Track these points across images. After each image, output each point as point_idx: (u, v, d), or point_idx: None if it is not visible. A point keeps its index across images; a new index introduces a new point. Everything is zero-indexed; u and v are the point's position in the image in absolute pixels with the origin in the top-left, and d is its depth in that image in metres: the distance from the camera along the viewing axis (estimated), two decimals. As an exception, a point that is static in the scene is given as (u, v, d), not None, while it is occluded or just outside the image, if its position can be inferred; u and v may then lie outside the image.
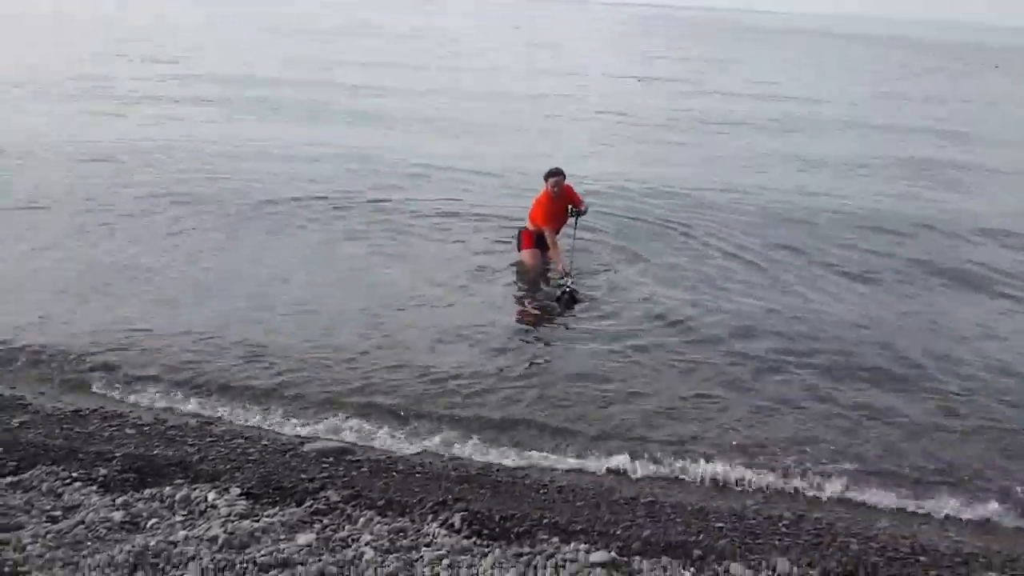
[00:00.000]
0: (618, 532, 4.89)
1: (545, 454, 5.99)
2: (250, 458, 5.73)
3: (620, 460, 5.94)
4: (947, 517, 5.51)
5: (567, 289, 8.70)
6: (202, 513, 4.69)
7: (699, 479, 5.80)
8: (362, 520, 4.71)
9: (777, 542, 5.06)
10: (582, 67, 34.10)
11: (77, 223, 10.50)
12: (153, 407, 6.48)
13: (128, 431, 6.02)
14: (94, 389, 6.71)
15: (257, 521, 4.59)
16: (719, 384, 7.11)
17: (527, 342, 7.96)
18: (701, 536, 5.05)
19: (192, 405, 6.51)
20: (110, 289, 8.57)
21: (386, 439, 6.10)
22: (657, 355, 7.58)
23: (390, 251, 10.26)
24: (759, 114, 22.72)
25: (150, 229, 10.43)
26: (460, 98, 23.26)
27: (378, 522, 4.69)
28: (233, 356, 7.23)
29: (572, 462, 5.92)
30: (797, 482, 5.81)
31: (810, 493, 5.73)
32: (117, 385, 6.74)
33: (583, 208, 9.57)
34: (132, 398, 6.58)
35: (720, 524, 5.29)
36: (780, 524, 5.32)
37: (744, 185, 14.00)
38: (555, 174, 9.24)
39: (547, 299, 8.99)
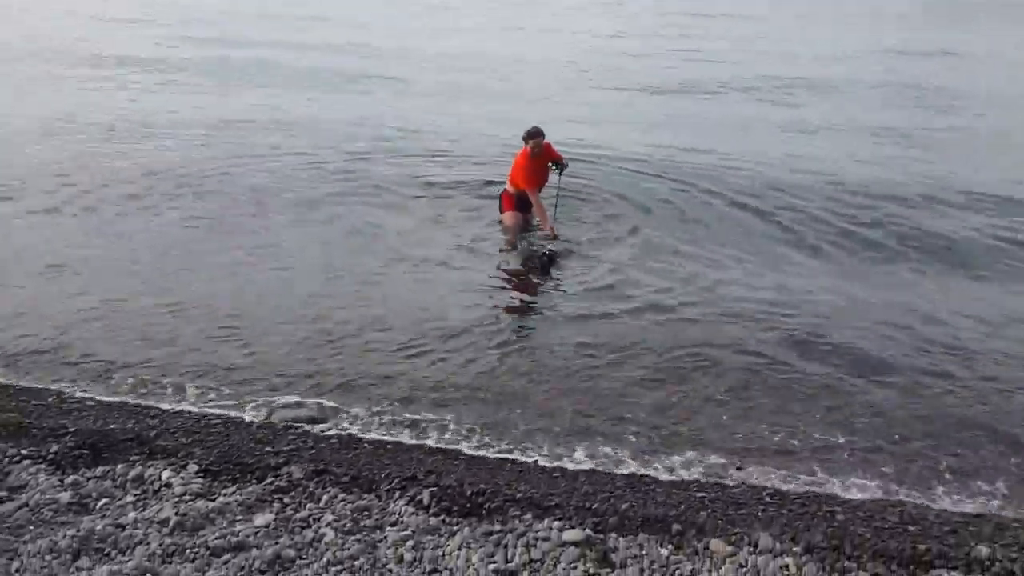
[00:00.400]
0: (595, 506, 4.66)
1: (525, 445, 5.60)
2: (213, 430, 5.49)
3: (594, 459, 5.51)
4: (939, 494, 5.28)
5: (546, 252, 8.48)
6: (155, 492, 4.45)
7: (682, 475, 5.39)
8: (325, 498, 4.47)
9: (761, 512, 4.85)
10: (567, 25, 33.09)
11: (48, 202, 9.94)
12: (117, 382, 6.19)
13: (88, 403, 5.78)
14: (59, 365, 6.38)
15: (213, 500, 4.35)
16: (702, 367, 6.64)
17: (507, 312, 7.64)
18: (681, 507, 4.84)
19: (155, 379, 6.22)
20: (81, 266, 8.15)
21: (355, 421, 5.78)
22: (638, 332, 7.17)
23: (370, 216, 9.91)
24: (752, 75, 21.78)
25: (123, 206, 9.89)
26: (442, 60, 22.37)
27: (342, 500, 4.46)
28: (203, 332, 6.92)
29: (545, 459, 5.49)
30: (783, 461, 5.51)
31: (795, 469, 5.44)
32: (81, 362, 6.41)
33: (564, 163, 9.36)
34: (95, 376, 6.24)
35: (702, 494, 5.08)
36: (764, 493, 5.13)
37: (738, 153, 13.17)
38: (535, 135, 8.96)
39: (529, 262, 8.73)
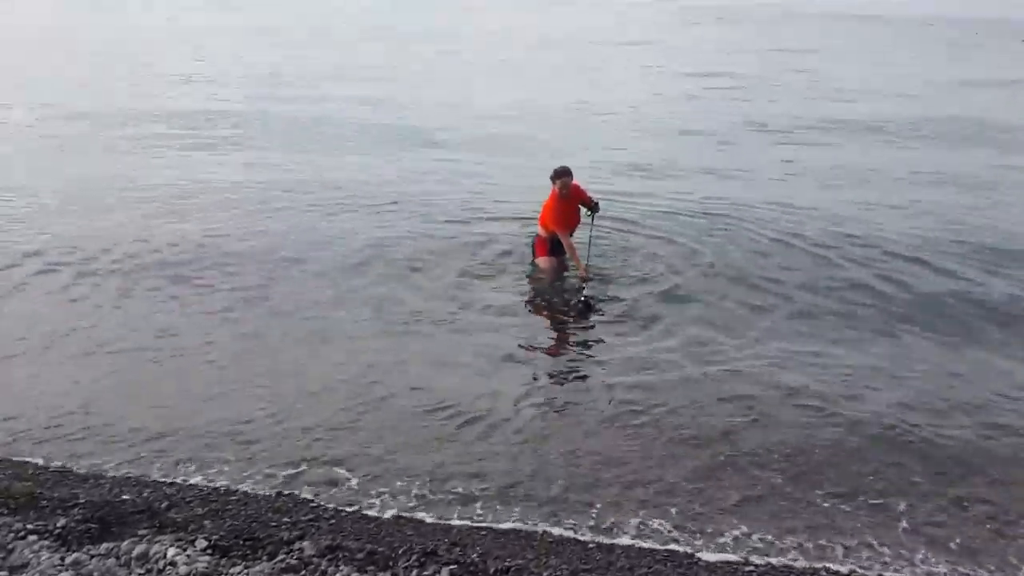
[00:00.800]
0: (629, 586, 4.31)
1: (561, 516, 5.20)
2: (232, 499, 5.26)
3: (634, 531, 5.07)
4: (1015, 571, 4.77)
5: (582, 299, 8.19)
6: (160, 572, 4.19)
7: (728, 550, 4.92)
8: (337, 578, 4.17)
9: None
10: (618, 65, 32.42)
11: (71, 272, 9.42)
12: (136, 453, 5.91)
13: (105, 473, 5.58)
14: (80, 438, 6.09)
15: (219, 582, 4.08)
16: (753, 433, 6.12)
17: (542, 368, 7.32)
18: (729, 586, 4.47)
19: (176, 449, 5.95)
20: (104, 337, 7.80)
21: (379, 489, 5.44)
22: (683, 393, 6.71)
23: (397, 261, 9.71)
24: (804, 115, 20.69)
25: (153, 273, 9.39)
26: (497, 111, 21.32)
27: (354, 580, 4.16)
28: (229, 401, 6.64)
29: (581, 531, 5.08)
30: (838, 534, 5.04)
31: (851, 543, 4.96)
32: (102, 434, 6.14)
33: (595, 203, 9.12)
34: (115, 448, 5.97)
35: (748, 569, 4.70)
36: (819, 569, 4.71)
37: (793, 201, 12.38)
38: (562, 174, 8.73)
39: (565, 311, 8.43)
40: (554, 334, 8.09)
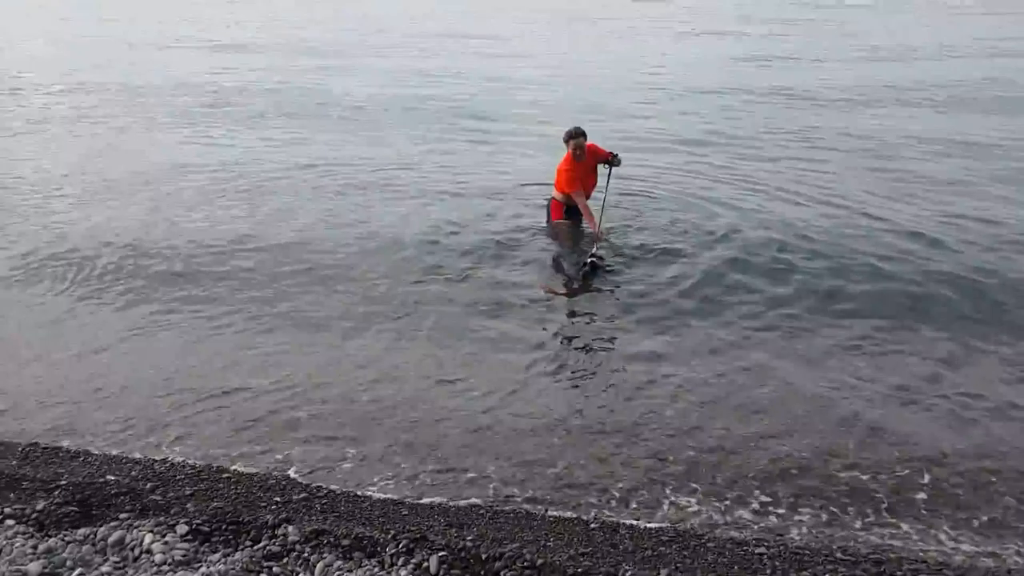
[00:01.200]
0: (629, 571, 4.04)
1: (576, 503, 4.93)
2: (223, 477, 5.07)
3: (641, 507, 4.87)
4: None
5: (589, 260, 7.85)
6: (135, 560, 3.99)
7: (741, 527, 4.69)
8: (320, 566, 3.95)
9: (829, 574, 4.17)
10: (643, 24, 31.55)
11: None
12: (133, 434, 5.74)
13: (94, 452, 5.42)
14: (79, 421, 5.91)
15: (195, 571, 3.88)
16: (767, 401, 5.91)
17: (550, 345, 6.95)
18: (735, 569, 4.20)
19: (169, 429, 5.77)
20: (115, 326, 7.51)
21: (377, 464, 5.27)
22: (690, 361, 6.50)
23: (399, 233, 9.43)
24: (847, 81, 19.63)
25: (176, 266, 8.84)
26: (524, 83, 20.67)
27: (338, 569, 3.93)
28: (226, 378, 6.44)
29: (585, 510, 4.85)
30: (857, 510, 4.78)
31: (870, 519, 4.71)
32: (103, 417, 5.94)
33: (615, 157, 8.68)
34: (112, 428, 5.78)
35: (760, 551, 4.41)
36: (834, 549, 4.42)
37: (830, 172, 11.65)
38: (575, 135, 8.41)
39: (572, 274, 8.18)
40: (566, 307, 7.77)
